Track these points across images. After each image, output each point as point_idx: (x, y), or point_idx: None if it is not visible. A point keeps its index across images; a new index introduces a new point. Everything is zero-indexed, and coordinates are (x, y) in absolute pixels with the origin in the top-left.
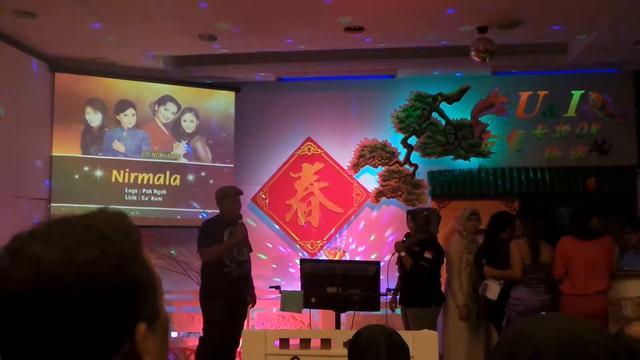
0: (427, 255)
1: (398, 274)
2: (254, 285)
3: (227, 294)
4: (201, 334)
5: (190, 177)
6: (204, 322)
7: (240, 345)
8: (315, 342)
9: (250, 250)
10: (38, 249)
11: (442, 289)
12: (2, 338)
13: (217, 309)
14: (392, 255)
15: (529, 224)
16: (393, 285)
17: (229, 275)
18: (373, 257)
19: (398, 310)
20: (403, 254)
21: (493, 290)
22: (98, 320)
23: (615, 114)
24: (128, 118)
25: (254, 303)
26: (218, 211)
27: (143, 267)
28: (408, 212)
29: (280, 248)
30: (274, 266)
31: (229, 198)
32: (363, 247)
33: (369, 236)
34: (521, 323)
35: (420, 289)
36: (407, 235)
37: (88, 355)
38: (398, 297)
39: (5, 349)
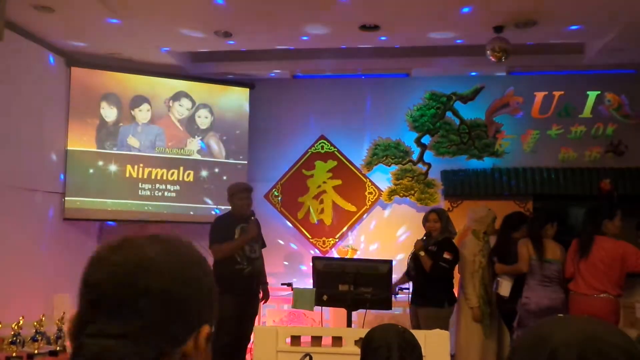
0: (447, 256)
1: (406, 273)
2: (267, 281)
3: (238, 290)
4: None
5: (204, 173)
6: (217, 320)
7: (251, 342)
8: (327, 340)
9: (264, 245)
10: (144, 242)
11: (455, 289)
12: (98, 311)
13: (227, 305)
14: (412, 254)
15: (532, 223)
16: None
17: (240, 272)
18: (385, 256)
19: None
20: (422, 254)
21: (505, 287)
22: (183, 310)
23: (632, 115)
24: (143, 113)
25: (267, 299)
26: (230, 207)
27: (210, 274)
28: (433, 211)
29: (293, 245)
30: (286, 263)
31: (238, 194)
32: (375, 246)
33: (381, 235)
34: (538, 325)
35: (435, 289)
36: (427, 235)
37: (164, 337)
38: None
39: (95, 319)
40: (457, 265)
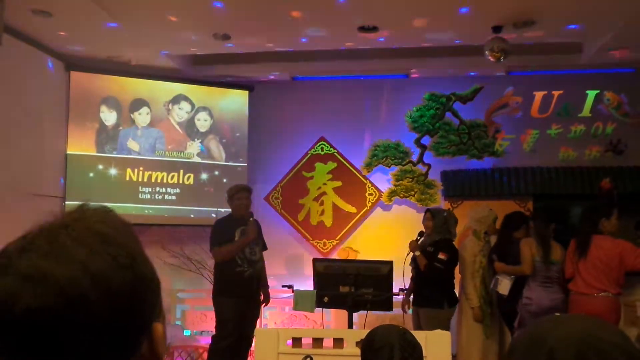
0: (441, 256)
1: (412, 275)
2: (268, 284)
3: (239, 293)
4: (214, 332)
5: (204, 175)
6: (216, 320)
7: (253, 344)
8: (328, 342)
9: (265, 248)
10: (44, 265)
11: (456, 290)
12: (26, 357)
13: (228, 307)
14: (407, 255)
15: (537, 223)
16: (403, 284)
17: (241, 274)
18: (385, 257)
19: (410, 311)
20: (418, 253)
21: (504, 286)
22: (119, 326)
23: (631, 113)
24: (142, 117)
25: (267, 301)
26: (230, 210)
27: (148, 264)
28: (428, 210)
29: (293, 247)
30: (287, 265)
31: (236, 194)
32: (376, 247)
33: (382, 236)
34: (536, 324)
35: (433, 290)
36: (420, 234)
37: (113, 358)
38: (411, 297)
39: None
40: (457, 266)
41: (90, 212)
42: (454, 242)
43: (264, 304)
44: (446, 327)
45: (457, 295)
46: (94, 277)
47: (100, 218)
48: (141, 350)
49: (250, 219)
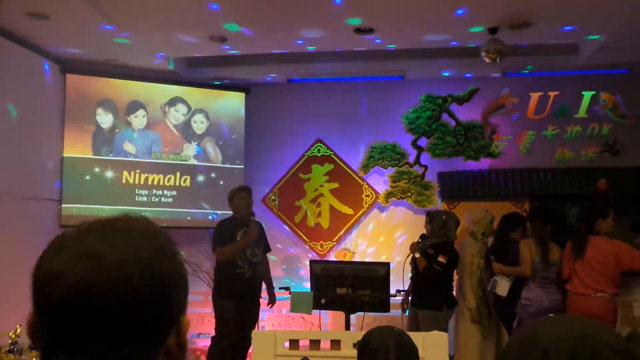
0: (441, 259)
1: (410, 275)
2: (273, 285)
3: (239, 294)
4: (212, 334)
5: (201, 178)
6: (215, 322)
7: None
8: (325, 343)
9: (268, 249)
10: (96, 246)
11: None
12: (74, 331)
13: (228, 308)
14: (408, 256)
15: (536, 224)
16: (400, 286)
17: (241, 276)
18: (383, 258)
19: (408, 312)
20: (418, 255)
21: (503, 287)
22: (157, 310)
23: (627, 114)
24: (139, 119)
25: (273, 303)
26: (229, 212)
27: (183, 262)
28: (427, 213)
29: (290, 249)
30: (284, 267)
31: (237, 194)
32: (373, 248)
33: (379, 237)
34: (530, 325)
35: (432, 292)
36: (422, 237)
37: (145, 343)
38: (410, 298)
39: (75, 339)
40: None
41: (130, 217)
42: (454, 245)
43: (270, 306)
44: (444, 329)
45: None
46: (141, 260)
47: (140, 221)
48: (169, 342)
49: (252, 218)
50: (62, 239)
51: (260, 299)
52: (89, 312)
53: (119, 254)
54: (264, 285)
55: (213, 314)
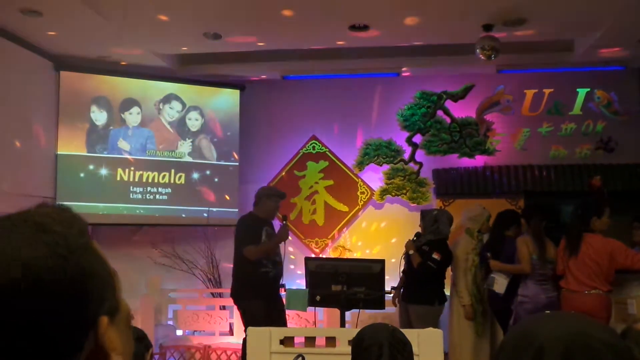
0: (435, 256)
1: (402, 269)
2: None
3: (265, 294)
4: (205, 331)
5: (195, 175)
6: (245, 323)
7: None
8: (320, 341)
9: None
10: None
11: (447, 288)
12: None
13: (258, 308)
14: (403, 254)
15: (534, 222)
16: (395, 283)
17: (265, 275)
18: (377, 255)
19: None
20: (412, 252)
21: (500, 284)
22: (56, 317)
23: (621, 111)
24: (133, 117)
25: None
26: (223, 209)
27: (94, 257)
28: (420, 212)
29: (285, 246)
30: None
31: (274, 198)
32: (368, 245)
33: (374, 234)
34: (525, 322)
35: (425, 287)
36: (417, 235)
37: (52, 355)
38: (401, 292)
39: None
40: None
41: (40, 207)
42: (447, 241)
43: None
44: (436, 325)
45: (449, 293)
46: (25, 265)
47: (46, 211)
48: (90, 347)
49: (285, 221)
50: None
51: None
52: None
53: (9, 254)
54: None
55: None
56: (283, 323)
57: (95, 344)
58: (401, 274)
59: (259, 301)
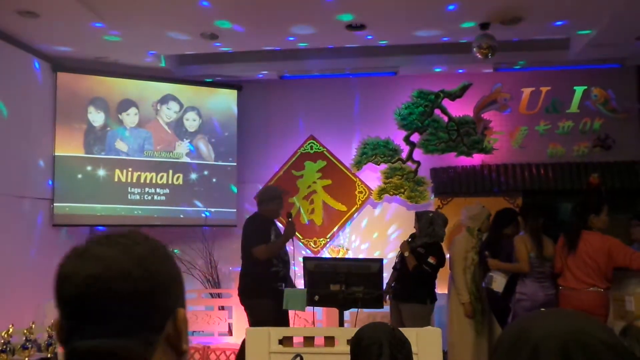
0: (431, 260)
1: (393, 266)
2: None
3: (275, 293)
4: (204, 332)
5: (193, 175)
6: (254, 323)
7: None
8: (319, 340)
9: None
10: (100, 249)
11: (444, 286)
12: (86, 318)
13: (268, 308)
14: (398, 254)
15: (531, 220)
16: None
17: (276, 274)
18: (376, 254)
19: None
20: (407, 254)
21: (499, 283)
22: (155, 300)
23: (618, 109)
24: (130, 117)
25: None
26: (222, 209)
27: (177, 266)
28: (415, 213)
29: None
30: None
31: (278, 199)
32: (366, 245)
33: (372, 233)
34: (522, 319)
35: (418, 286)
36: (412, 236)
37: (148, 322)
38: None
39: (87, 325)
40: (447, 262)
41: (133, 232)
42: (442, 244)
43: None
44: (428, 323)
45: (447, 291)
46: (138, 259)
47: (143, 235)
48: (168, 330)
49: (290, 219)
50: (72, 249)
51: None
52: (95, 302)
53: (117, 255)
54: None
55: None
56: (287, 323)
57: (174, 328)
58: (392, 269)
59: (269, 300)
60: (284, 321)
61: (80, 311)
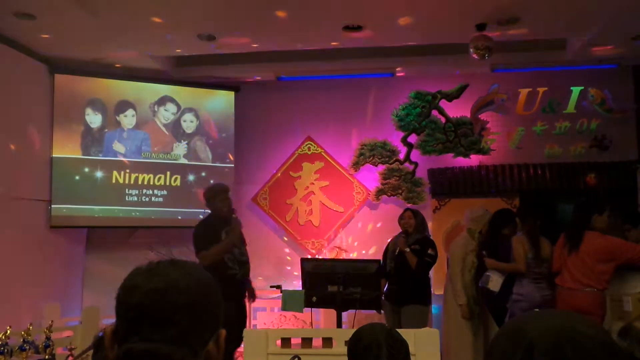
0: (431, 252)
1: (386, 274)
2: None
3: (235, 296)
4: None
5: (191, 177)
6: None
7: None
8: (317, 341)
9: (244, 242)
10: (167, 269)
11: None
12: (147, 323)
13: (230, 312)
14: (396, 252)
15: (528, 221)
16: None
17: (233, 277)
18: (374, 256)
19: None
20: (408, 250)
21: (495, 282)
22: (205, 315)
23: (615, 109)
24: (128, 119)
25: (254, 298)
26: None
27: (219, 291)
28: (408, 209)
29: (281, 247)
30: (275, 265)
31: (219, 195)
32: (364, 246)
33: (370, 234)
34: (515, 319)
35: (419, 287)
36: (405, 233)
37: (194, 341)
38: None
39: (139, 330)
40: (445, 262)
41: (185, 262)
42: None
43: (251, 301)
44: (426, 323)
45: (443, 292)
46: (196, 280)
47: (190, 263)
48: (209, 347)
49: (234, 216)
50: (138, 267)
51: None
52: (156, 310)
53: (180, 274)
54: None
55: None
56: (245, 323)
57: (215, 345)
58: (383, 276)
59: (231, 303)
60: (245, 322)
61: (142, 316)
